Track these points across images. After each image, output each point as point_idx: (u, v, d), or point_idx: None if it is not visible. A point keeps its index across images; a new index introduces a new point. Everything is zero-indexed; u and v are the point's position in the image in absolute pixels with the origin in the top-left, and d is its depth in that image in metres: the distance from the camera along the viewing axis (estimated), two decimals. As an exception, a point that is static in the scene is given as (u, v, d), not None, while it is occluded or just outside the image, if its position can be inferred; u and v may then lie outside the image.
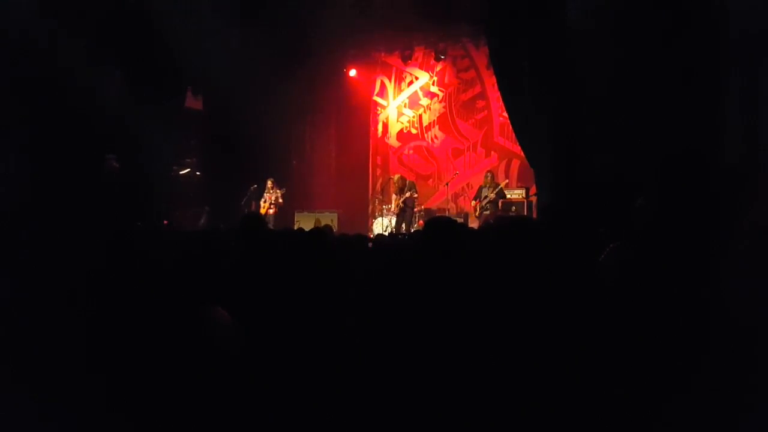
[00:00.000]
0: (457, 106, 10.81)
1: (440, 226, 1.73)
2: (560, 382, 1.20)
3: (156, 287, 1.68)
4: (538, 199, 7.68)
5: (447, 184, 9.76)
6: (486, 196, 8.59)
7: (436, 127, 11.03)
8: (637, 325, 1.76)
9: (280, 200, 9.30)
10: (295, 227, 8.01)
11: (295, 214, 9.86)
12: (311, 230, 3.05)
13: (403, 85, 11.47)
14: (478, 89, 10.57)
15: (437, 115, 11.02)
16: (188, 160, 10.26)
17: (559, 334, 1.28)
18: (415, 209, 9.25)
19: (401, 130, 11.47)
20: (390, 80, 11.60)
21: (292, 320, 1.76)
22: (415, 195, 9.08)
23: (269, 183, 9.35)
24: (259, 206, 9.30)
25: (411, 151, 11.33)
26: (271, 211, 9.15)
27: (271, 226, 8.16)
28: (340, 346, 1.71)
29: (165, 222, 7.88)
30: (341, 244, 2.67)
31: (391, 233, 8.38)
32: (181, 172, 9.98)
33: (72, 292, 1.92)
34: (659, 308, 1.71)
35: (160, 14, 7.23)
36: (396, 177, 9.46)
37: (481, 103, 10.53)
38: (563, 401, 1.17)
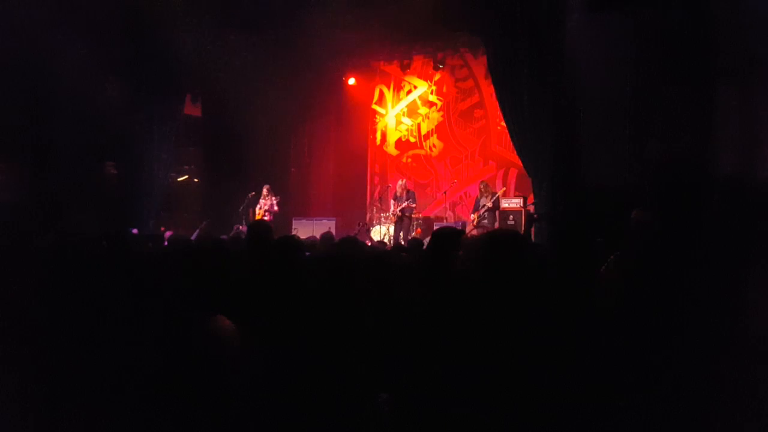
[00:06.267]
0: (456, 115, 10.85)
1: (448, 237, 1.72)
2: (561, 394, 1.20)
3: (157, 295, 1.68)
4: (535, 209, 7.70)
5: (445, 193, 9.77)
6: (484, 205, 8.60)
7: (435, 135, 11.07)
8: (640, 335, 1.76)
9: (276, 207, 9.29)
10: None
11: (293, 221, 9.86)
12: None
13: (402, 93, 11.52)
14: (476, 98, 10.62)
15: (435, 123, 11.06)
16: (186, 167, 10.26)
17: (559, 345, 1.28)
18: (413, 218, 9.25)
19: (400, 139, 11.51)
20: (389, 89, 11.65)
21: (300, 329, 1.76)
22: (413, 204, 9.08)
23: (264, 190, 9.34)
24: (254, 213, 9.28)
25: (409, 160, 11.36)
26: (265, 218, 9.13)
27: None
28: (348, 356, 1.71)
29: (162, 228, 7.87)
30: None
31: (396, 244, 8.36)
32: (179, 179, 9.98)
33: (72, 297, 1.91)
34: (661, 318, 1.72)
35: (160, 21, 7.26)
36: (401, 182, 9.43)
37: (479, 113, 10.57)
38: (566, 414, 1.17)
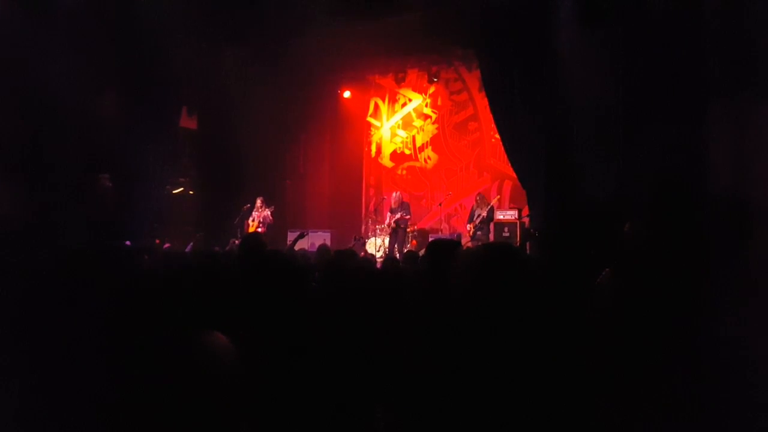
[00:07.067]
0: (450, 128, 10.93)
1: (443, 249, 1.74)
2: (561, 406, 1.21)
3: (151, 310, 1.68)
4: (530, 220, 7.74)
5: (440, 205, 9.81)
6: (479, 215, 8.65)
7: (429, 147, 11.14)
8: (636, 346, 1.77)
9: (270, 218, 9.28)
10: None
11: (288, 233, 9.85)
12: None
13: (397, 106, 11.60)
14: (470, 111, 10.71)
15: (430, 136, 11.14)
16: (182, 179, 10.25)
17: (557, 358, 1.29)
18: (408, 230, 9.27)
19: (395, 151, 11.57)
20: (384, 102, 11.73)
21: (295, 345, 1.76)
22: (408, 216, 9.10)
23: (258, 202, 9.34)
24: (248, 225, 9.28)
25: (404, 172, 11.41)
26: (259, 230, 9.13)
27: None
28: (345, 369, 1.71)
29: (157, 241, 7.84)
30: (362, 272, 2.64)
31: (389, 256, 8.36)
32: (174, 191, 9.96)
33: (65, 312, 1.91)
34: (655, 333, 1.73)
35: (156, 34, 7.30)
36: (396, 194, 9.47)
37: (473, 125, 10.66)
38: (566, 426, 1.18)
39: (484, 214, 8.57)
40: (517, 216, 8.45)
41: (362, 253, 8.61)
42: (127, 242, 6.53)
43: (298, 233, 7.28)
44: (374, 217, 10.19)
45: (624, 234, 2.68)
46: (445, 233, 9.81)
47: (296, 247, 6.26)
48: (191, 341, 1.56)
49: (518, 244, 7.18)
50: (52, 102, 6.52)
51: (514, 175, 8.26)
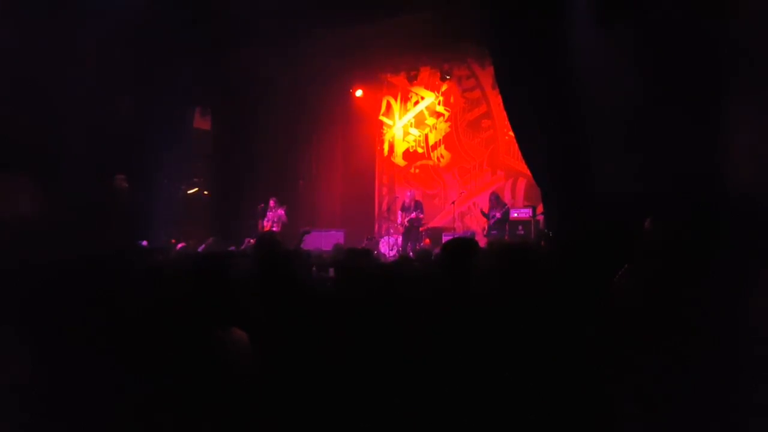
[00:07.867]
0: (463, 126, 10.88)
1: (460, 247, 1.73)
2: (579, 406, 1.19)
3: (171, 308, 1.68)
4: (544, 219, 7.67)
5: (453, 203, 9.76)
6: (493, 216, 8.61)
7: (442, 146, 11.09)
8: (653, 346, 1.74)
9: (285, 217, 9.33)
10: (301, 246, 8.01)
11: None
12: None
13: (409, 105, 11.57)
14: (483, 108, 10.64)
15: (443, 134, 11.09)
16: (196, 180, 10.33)
17: (576, 356, 1.27)
18: (421, 228, 9.27)
19: (407, 150, 11.54)
20: (396, 100, 11.71)
21: (310, 341, 1.76)
22: (421, 215, 9.11)
23: (271, 202, 9.41)
24: (262, 225, 9.33)
25: (417, 170, 11.37)
26: (274, 229, 9.17)
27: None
28: (357, 367, 1.71)
29: (173, 241, 7.91)
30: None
31: (403, 254, 8.35)
32: (188, 191, 10.05)
33: (84, 311, 1.92)
34: (676, 329, 1.70)
35: (170, 34, 7.36)
36: (410, 193, 9.49)
37: (486, 123, 10.59)
38: (584, 427, 1.16)
39: (499, 215, 8.52)
40: (531, 214, 8.38)
41: (374, 252, 8.61)
42: (144, 242, 6.59)
43: (302, 232, 7.33)
44: (387, 216, 10.18)
45: (645, 232, 2.64)
46: (458, 232, 9.77)
47: (311, 247, 6.27)
48: (210, 337, 1.57)
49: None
50: (68, 103, 6.59)
51: (529, 172, 8.18)
